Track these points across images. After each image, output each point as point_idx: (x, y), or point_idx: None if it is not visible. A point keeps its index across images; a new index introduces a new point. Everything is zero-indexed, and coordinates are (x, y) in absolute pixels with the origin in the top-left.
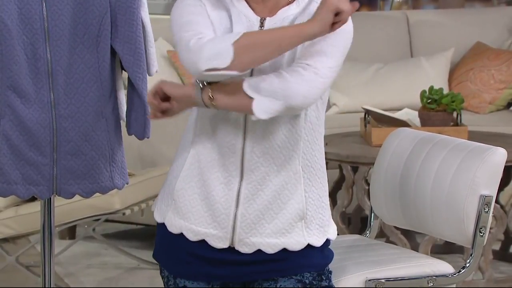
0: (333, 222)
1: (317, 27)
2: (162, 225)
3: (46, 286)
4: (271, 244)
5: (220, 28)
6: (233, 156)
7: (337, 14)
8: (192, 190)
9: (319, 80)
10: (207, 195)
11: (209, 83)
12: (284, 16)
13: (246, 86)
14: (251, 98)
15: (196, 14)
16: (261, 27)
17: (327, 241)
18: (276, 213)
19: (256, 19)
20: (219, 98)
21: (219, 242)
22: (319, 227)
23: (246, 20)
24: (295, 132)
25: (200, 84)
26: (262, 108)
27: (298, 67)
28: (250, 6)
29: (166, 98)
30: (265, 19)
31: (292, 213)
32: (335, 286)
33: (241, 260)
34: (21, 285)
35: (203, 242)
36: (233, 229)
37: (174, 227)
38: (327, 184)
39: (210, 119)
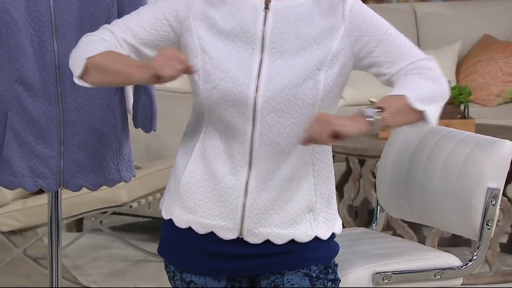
0: (338, 216)
1: (139, 79)
2: (169, 221)
3: (54, 278)
4: (279, 234)
5: (217, 18)
6: (242, 145)
7: None
8: (199, 183)
9: (436, 63)
10: (215, 187)
11: (378, 110)
12: (293, 4)
13: (415, 102)
14: (421, 111)
15: (154, 9)
16: (265, 9)
17: (333, 235)
18: (285, 204)
19: (260, 2)
20: (394, 122)
21: (228, 233)
22: (326, 221)
23: (249, 5)
24: (306, 122)
25: (373, 119)
26: (434, 116)
27: (425, 63)
28: None
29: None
30: (269, 1)
31: (302, 205)
32: (341, 279)
33: (248, 253)
34: (28, 277)
35: (211, 235)
36: (241, 219)
37: (182, 222)
38: (334, 178)
39: (217, 111)
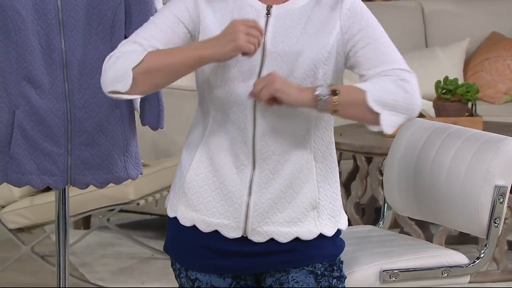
0: (344, 212)
1: (216, 55)
2: (174, 219)
3: (61, 276)
4: (283, 233)
5: (216, 23)
6: (245, 145)
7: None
8: (203, 181)
9: (416, 80)
10: (219, 185)
11: (332, 93)
12: (294, 8)
13: (371, 101)
14: (376, 113)
15: (167, 13)
16: (267, 15)
17: (338, 231)
18: (289, 202)
19: (262, 7)
20: (343, 111)
21: (232, 231)
22: (330, 217)
23: (251, 9)
24: (305, 121)
25: (323, 97)
26: (389, 123)
27: (403, 74)
28: None
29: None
30: (271, 6)
31: (305, 202)
32: (347, 276)
33: (253, 252)
34: (36, 275)
35: (215, 233)
36: (245, 218)
37: (186, 220)
38: (338, 175)
39: (221, 110)
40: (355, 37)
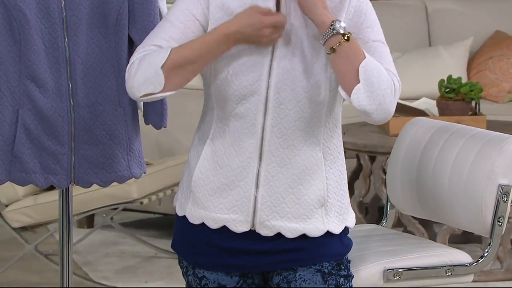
0: (351, 210)
1: (243, 45)
2: (183, 218)
3: (65, 274)
4: (291, 228)
5: (232, 11)
6: (252, 137)
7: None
8: (209, 179)
9: (399, 94)
10: (225, 181)
11: (344, 34)
12: None
13: (362, 67)
14: (357, 80)
15: (183, 11)
16: (277, 11)
17: (346, 229)
18: (298, 198)
19: (272, 5)
20: (337, 55)
21: (240, 226)
22: (338, 215)
23: (262, 2)
24: (316, 118)
25: (333, 32)
26: (359, 97)
27: (395, 79)
28: None
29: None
30: (280, 1)
31: (313, 199)
32: (353, 275)
33: (261, 250)
34: (40, 273)
35: (224, 230)
36: (253, 212)
37: (195, 218)
38: (346, 172)
39: (227, 105)
40: (354, 35)
